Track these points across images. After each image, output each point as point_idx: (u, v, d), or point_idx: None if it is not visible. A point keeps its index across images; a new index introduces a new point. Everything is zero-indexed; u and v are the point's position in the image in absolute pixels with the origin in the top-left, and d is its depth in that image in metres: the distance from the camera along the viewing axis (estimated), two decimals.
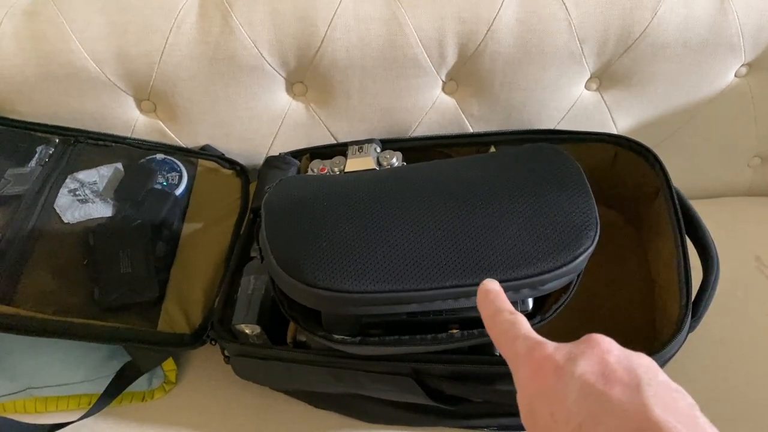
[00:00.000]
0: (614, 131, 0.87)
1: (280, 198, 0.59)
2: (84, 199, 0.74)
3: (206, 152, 0.85)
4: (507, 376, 0.57)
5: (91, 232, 0.71)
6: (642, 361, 0.33)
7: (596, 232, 0.53)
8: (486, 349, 0.60)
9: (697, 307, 0.61)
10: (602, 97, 0.84)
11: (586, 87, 0.83)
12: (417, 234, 0.53)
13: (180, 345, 0.68)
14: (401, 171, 0.63)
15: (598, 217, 0.55)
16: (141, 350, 0.68)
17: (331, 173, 0.77)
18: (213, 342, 0.68)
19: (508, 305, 0.39)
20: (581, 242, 0.52)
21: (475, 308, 0.49)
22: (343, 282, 0.51)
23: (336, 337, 0.56)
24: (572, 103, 0.84)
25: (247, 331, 0.65)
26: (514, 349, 0.36)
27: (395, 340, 0.55)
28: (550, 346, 0.35)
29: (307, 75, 0.80)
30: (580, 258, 0.52)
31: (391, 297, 0.51)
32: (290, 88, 0.82)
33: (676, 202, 0.67)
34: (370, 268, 0.51)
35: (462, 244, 0.52)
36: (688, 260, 0.63)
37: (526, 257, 0.51)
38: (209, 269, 0.75)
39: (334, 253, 0.52)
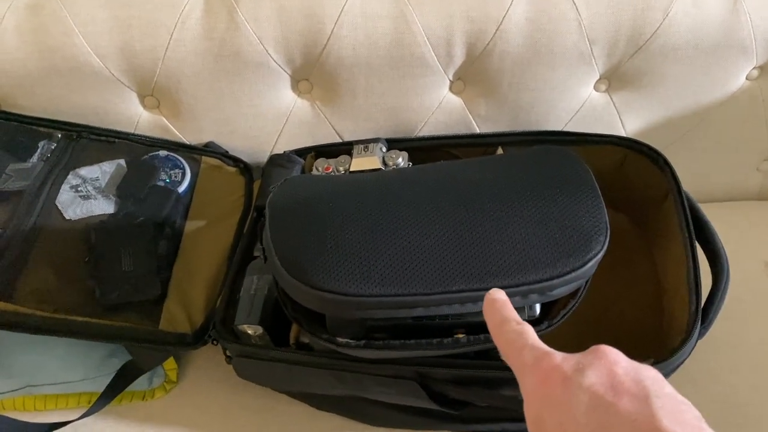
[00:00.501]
0: (623, 133, 0.86)
1: (285, 198, 0.58)
2: (86, 196, 0.73)
3: (210, 149, 0.84)
4: (512, 382, 0.56)
5: (93, 229, 0.70)
6: (649, 373, 0.33)
7: (606, 237, 0.53)
8: (491, 353, 0.59)
9: (707, 313, 0.60)
10: (611, 98, 0.83)
11: (595, 88, 0.82)
12: (423, 237, 0.52)
13: (181, 345, 0.68)
14: (408, 172, 0.62)
15: (608, 222, 0.54)
16: (142, 349, 0.68)
17: (336, 172, 0.76)
18: (215, 342, 0.68)
19: (515, 315, 0.39)
20: (591, 247, 0.51)
21: (481, 313, 0.48)
22: (347, 285, 0.50)
23: (340, 340, 0.55)
24: (581, 105, 0.83)
25: (249, 332, 0.64)
26: (521, 359, 0.36)
27: (400, 344, 0.54)
28: (558, 356, 0.35)
29: (312, 73, 0.79)
30: (590, 263, 0.51)
31: (397, 301, 0.50)
32: (296, 85, 0.81)
33: (686, 206, 0.66)
34: (375, 271, 0.50)
35: (469, 248, 0.51)
36: (698, 266, 0.62)
37: (534, 262, 0.50)
38: (212, 268, 0.74)
39: (339, 256, 0.51)
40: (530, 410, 0.34)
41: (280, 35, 0.75)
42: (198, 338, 0.68)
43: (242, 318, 0.64)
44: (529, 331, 0.37)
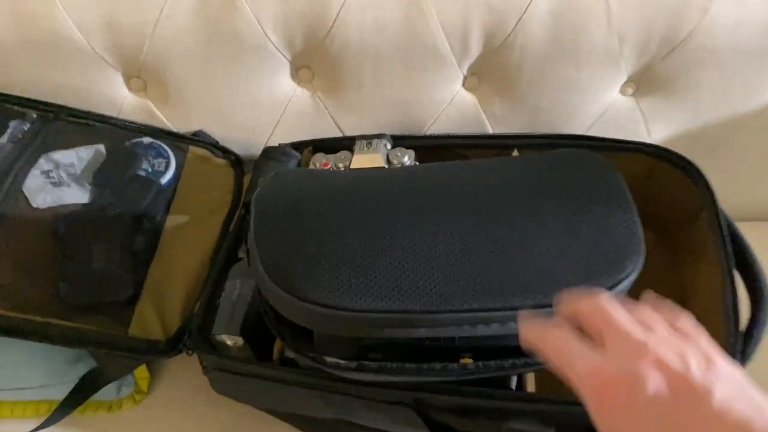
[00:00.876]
0: (648, 141, 0.79)
1: (274, 194, 0.51)
2: (57, 183, 0.66)
3: (198, 138, 0.77)
4: (521, 413, 0.50)
5: (63, 219, 0.64)
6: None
7: (641, 256, 0.46)
8: (500, 380, 0.52)
9: (744, 348, 0.53)
10: (638, 103, 0.76)
11: (621, 91, 0.75)
12: (431, 246, 0.45)
13: (152, 353, 0.61)
14: (414, 171, 0.55)
15: (642, 238, 0.47)
16: (108, 356, 0.60)
17: (335, 169, 0.69)
18: (190, 352, 0.60)
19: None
20: (624, 266, 0.44)
21: (494, 337, 0.42)
22: (340, 298, 0.43)
23: (328, 360, 0.48)
24: (604, 109, 0.76)
25: (228, 343, 0.58)
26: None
27: (398, 368, 0.47)
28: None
29: (314, 59, 0.72)
30: (622, 284, 0.44)
31: (397, 319, 0.43)
32: (295, 73, 0.75)
33: (724, 225, 0.59)
34: (374, 282, 0.43)
35: (484, 262, 0.44)
36: (737, 294, 0.55)
37: (559, 280, 0.43)
38: (192, 269, 0.67)
39: (332, 263, 0.44)
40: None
41: (280, 15, 0.68)
42: (172, 347, 0.61)
43: (221, 327, 0.57)
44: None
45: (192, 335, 0.59)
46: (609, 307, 0.34)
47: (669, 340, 0.32)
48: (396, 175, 0.53)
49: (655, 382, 0.29)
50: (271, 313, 0.50)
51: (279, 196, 0.51)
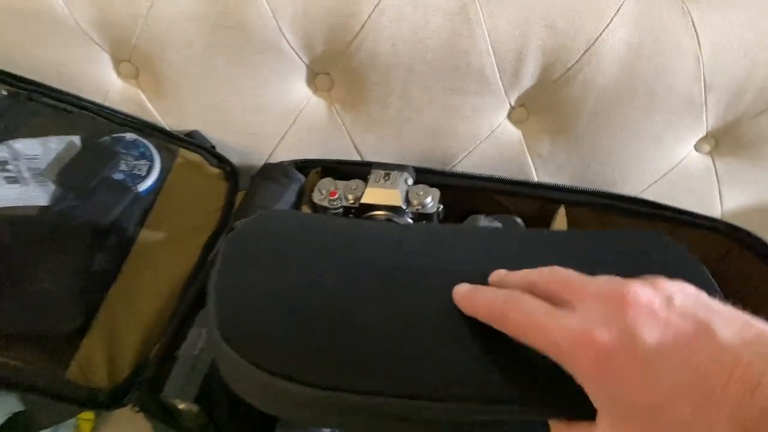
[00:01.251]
0: (718, 209, 0.67)
1: (252, 241, 0.40)
2: (13, 178, 0.56)
3: (192, 140, 0.66)
4: None
5: (10, 224, 0.53)
6: None
7: None
8: None
9: None
10: (714, 163, 0.64)
11: (696, 147, 0.64)
12: (455, 348, 0.32)
13: (90, 405, 0.50)
14: (435, 240, 0.43)
15: None
16: (39, 400, 0.50)
17: (344, 200, 0.58)
18: (136, 409, 0.50)
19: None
20: None
21: None
22: (323, 371, 0.31)
23: None
24: (672, 165, 0.64)
25: (180, 407, 0.47)
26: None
27: None
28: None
29: (335, 66, 0.61)
30: None
31: (402, 405, 0.31)
32: (312, 79, 0.63)
33: None
34: (371, 357, 0.31)
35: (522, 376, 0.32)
36: None
37: None
38: (160, 299, 0.56)
39: (312, 333, 0.32)
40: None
41: (300, 11, 0.57)
42: (114, 399, 0.50)
43: (174, 388, 0.46)
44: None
45: (141, 390, 0.49)
46: (564, 270, 0.31)
47: (637, 283, 0.27)
48: (414, 245, 0.41)
49: (652, 331, 0.26)
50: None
51: (257, 246, 0.39)
